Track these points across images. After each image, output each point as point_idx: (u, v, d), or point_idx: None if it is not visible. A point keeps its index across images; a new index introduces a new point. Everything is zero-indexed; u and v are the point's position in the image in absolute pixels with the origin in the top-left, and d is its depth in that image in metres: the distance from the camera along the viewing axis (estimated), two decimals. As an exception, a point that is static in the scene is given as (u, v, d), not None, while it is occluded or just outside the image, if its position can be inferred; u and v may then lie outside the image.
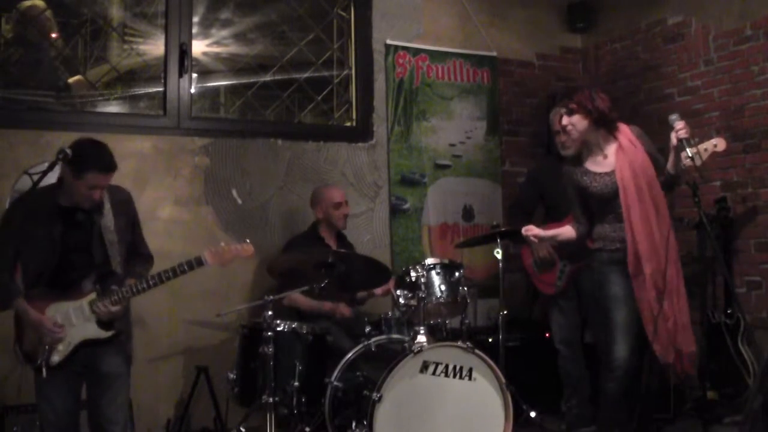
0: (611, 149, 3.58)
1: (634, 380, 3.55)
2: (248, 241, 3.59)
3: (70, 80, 4.84)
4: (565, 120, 3.60)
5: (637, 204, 3.48)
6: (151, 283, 3.28)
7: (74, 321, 3.21)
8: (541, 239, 3.74)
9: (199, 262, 3.39)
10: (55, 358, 3.19)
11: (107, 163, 3.21)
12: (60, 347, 3.19)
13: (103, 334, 3.25)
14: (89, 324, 3.23)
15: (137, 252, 3.47)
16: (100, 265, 3.27)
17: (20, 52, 4.74)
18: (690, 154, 3.37)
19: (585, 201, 3.66)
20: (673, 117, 3.46)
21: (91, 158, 3.17)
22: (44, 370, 3.15)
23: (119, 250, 3.32)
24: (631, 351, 3.48)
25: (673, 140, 3.44)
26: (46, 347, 3.16)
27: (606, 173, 3.56)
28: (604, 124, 3.58)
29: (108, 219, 3.29)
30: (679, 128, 3.41)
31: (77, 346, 3.22)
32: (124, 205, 3.41)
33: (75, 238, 3.25)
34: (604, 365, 3.60)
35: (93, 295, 3.23)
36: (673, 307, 3.47)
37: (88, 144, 3.24)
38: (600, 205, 3.61)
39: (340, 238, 4.76)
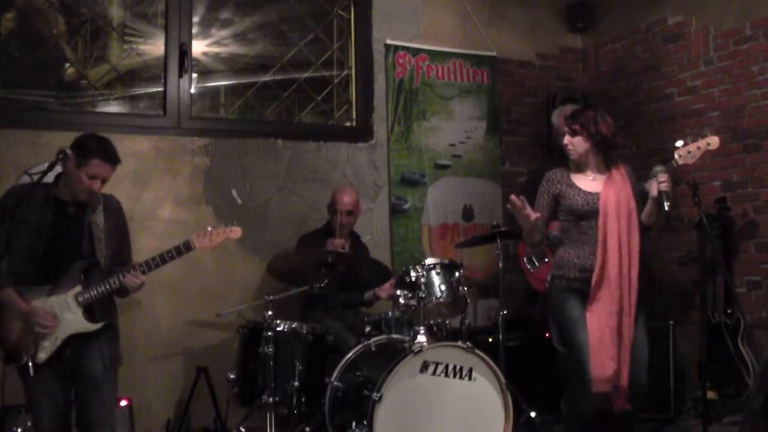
0: (601, 177, 3.65)
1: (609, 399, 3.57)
2: (235, 223, 3.58)
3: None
4: (566, 139, 3.66)
5: (616, 231, 3.53)
6: (144, 269, 3.26)
7: (60, 316, 3.16)
8: (518, 209, 3.55)
9: (188, 247, 3.37)
10: (42, 355, 3.12)
11: (111, 154, 3.25)
12: (46, 343, 3.13)
13: (91, 326, 3.20)
14: (76, 317, 3.18)
15: (123, 260, 3.40)
16: (85, 257, 3.25)
17: (23, 47, 4.73)
18: (667, 208, 3.45)
19: (554, 210, 3.70)
20: (658, 169, 3.51)
21: (97, 147, 3.22)
22: (31, 368, 3.09)
23: (106, 248, 3.30)
24: None
25: (654, 191, 3.51)
26: (32, 345, 3.10)
27: (589, 192, 3.62)
28: (605, 150, 3.64)
29: (99, 218, 3.30)
30: (662, 181, 3.48)
31: (64, 341, 3.16)
32: (116, 211, 3.42)
33: (64, 228, 3.23)
34: (577, 385, 3.60)
35: (78, 288, 3.19)
36: (628, 340, 3.50)
37: (93, 136, 3.31)
38: (569, 220, 3.65)
39: (354, 238, 4.77)
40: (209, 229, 3.48)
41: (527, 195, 4.77)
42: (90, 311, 3.23)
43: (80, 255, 3.25)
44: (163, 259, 3.30)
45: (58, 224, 3.22)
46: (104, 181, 3.25)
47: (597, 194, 3.59)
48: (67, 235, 3.24)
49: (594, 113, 3.66)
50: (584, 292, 3.59)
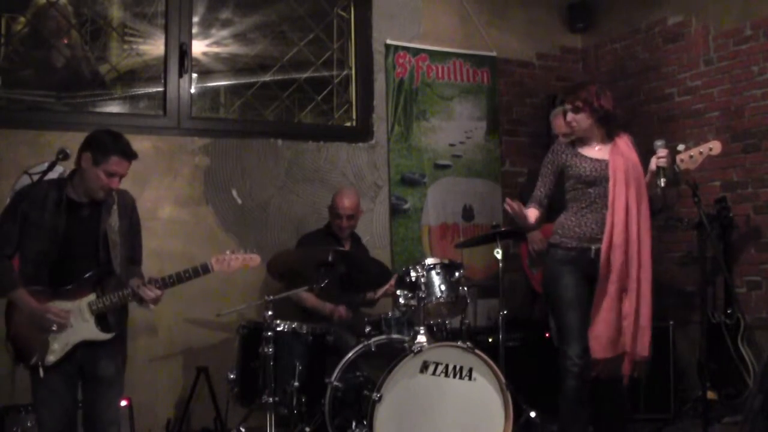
0: (606, 146, 3.67)
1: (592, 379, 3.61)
2: (255, 251, 3.60)
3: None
4: (569, 116, 3.66)
5: (624, 194, 3.54)
6: (159, 284, 3.27)
7: (72, 322, 3.14)
8: (513, 210, 3.61)
9: (206, 269, 3.38)
10: (51, 358, 3.11)
11: (129, 151, 3.23)
12: (56, 346, 3.12)
13: (103, 335, 3.20)
14: (88, 325, 3.17)
15: (133, 259, 3.42)
16: (101, 264, 3.22)
17: (33, 50, 4.73)
18: (662, 184, 3.46)
19: (558, 184, 3.71)
20: (659, 143, 3.52)
21: (115, 144, 3.19)
22: (41, 369, 3.08)
23: (121, 252, 3.28)
24: (584, 351, 3.58)
25: (653, 165, 3.52)
26: (42, 347, 3.08)
27: (597, 159, 3.64)
28: (608, 123, 3.65)
29: (114, 219, 3.27)
30: (661, 156, 3.48)
31: (75, 347, 3.15)
32: (130, 209, 3.40)
33: (79, 232, 3.20)
34: (561, 365, 3.67)
35: (92, 296, 3.19)
36: (633, 307, 3.53)
37: (109, 132, 3.27)
38: (576, 189, 3.65)
39: (354, 239, 4.77)
40: (228, 252, 3.51)
41: (527, 195, 4.81)
42: (103, 320, 3.22)
43: (95, 260, 3.23)
44: (179, 278, 3.31)
45: (72, 227, 3.19)
46: (121, 177, 3.23)
47: (605, 161, 3.61)
48: (81, 238, 3.21)
49: (595, 87, 3.67)
50: (580, 265, 3.60)
